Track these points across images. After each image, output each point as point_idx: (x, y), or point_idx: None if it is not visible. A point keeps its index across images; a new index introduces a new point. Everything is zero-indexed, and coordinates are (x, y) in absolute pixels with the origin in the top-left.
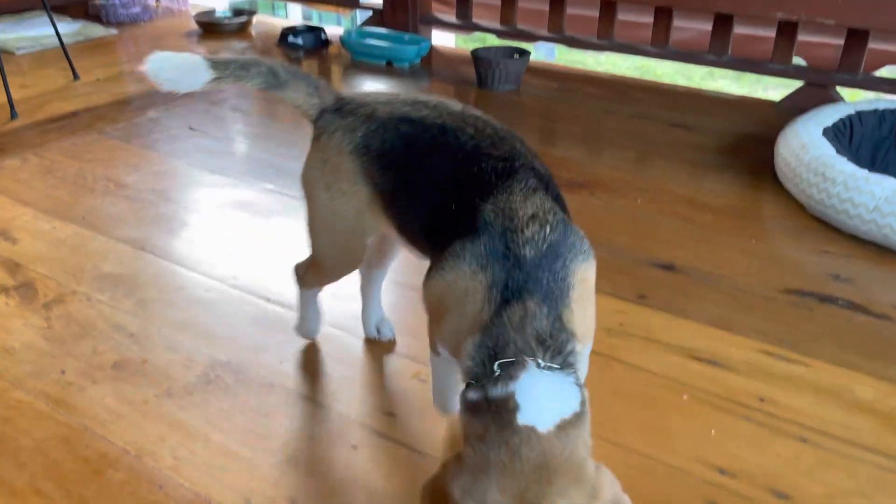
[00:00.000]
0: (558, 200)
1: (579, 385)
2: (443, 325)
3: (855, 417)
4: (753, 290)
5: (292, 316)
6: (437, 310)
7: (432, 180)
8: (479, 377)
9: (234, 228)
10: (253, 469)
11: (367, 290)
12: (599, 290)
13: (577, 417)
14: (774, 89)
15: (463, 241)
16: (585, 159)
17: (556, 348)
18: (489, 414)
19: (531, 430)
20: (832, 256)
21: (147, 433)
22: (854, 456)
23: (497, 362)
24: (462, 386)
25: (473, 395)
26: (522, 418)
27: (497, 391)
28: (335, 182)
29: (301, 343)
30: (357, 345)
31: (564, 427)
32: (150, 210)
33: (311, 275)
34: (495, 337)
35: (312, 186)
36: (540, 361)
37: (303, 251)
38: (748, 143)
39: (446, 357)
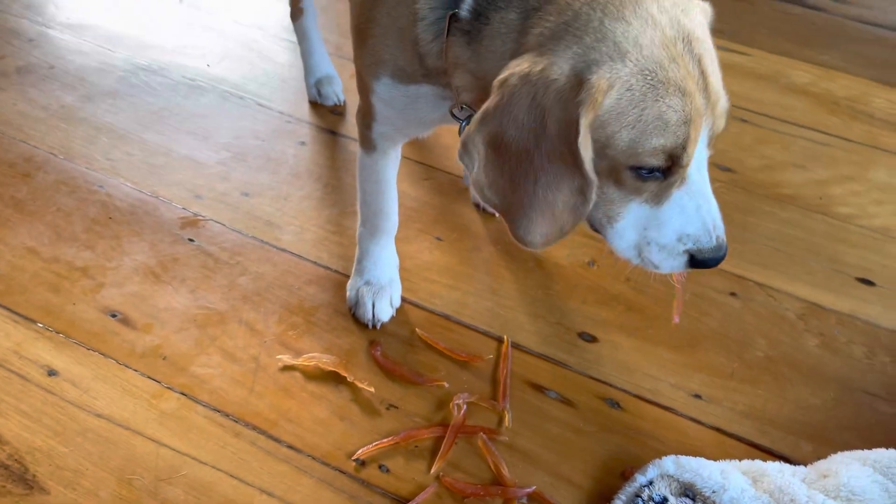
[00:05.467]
0: None
1: None
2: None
3: (790, 99)
4: None
5: (210, 18)
6: None
7: None
8: None
9: None
10: (198, 167)
11: (303, 38)
12: None
13: None
14: None
15: None
16: None
17: None
18: None
19: None
20: None
21: (72, 136)
22: (789, 133)
23: None
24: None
25: None
26: None
27: None
28: None
29: (227, 45)
30: (289, 45)
31: None
32: None
33: None
34: None
35: None
36: None
37: None
38: None
39: (381, 151)
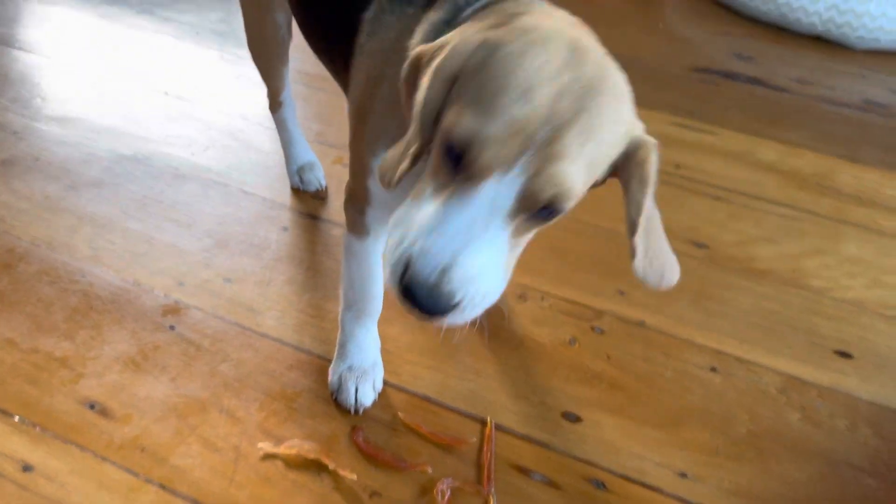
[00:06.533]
0: None
1: None
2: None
3: (760, 176)
4: (663, 69)
5: (195, 109)
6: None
7: None
8: None
9: (113, 21)
10: (181, 254)
11: (283, 128)
12: None
13: None
14: None
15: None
16: None
17: None
18: None
19: None
20: (734, 37)
21: (55, 226)
22: (761, 208)
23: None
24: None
25: None
26: None
27: None
28: None
29: (211, 135)
30: (272, 134)
31: None
32: (9, 5)
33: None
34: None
35: None
36: None
37: (193, 42)
38: None
39: (374, 236)
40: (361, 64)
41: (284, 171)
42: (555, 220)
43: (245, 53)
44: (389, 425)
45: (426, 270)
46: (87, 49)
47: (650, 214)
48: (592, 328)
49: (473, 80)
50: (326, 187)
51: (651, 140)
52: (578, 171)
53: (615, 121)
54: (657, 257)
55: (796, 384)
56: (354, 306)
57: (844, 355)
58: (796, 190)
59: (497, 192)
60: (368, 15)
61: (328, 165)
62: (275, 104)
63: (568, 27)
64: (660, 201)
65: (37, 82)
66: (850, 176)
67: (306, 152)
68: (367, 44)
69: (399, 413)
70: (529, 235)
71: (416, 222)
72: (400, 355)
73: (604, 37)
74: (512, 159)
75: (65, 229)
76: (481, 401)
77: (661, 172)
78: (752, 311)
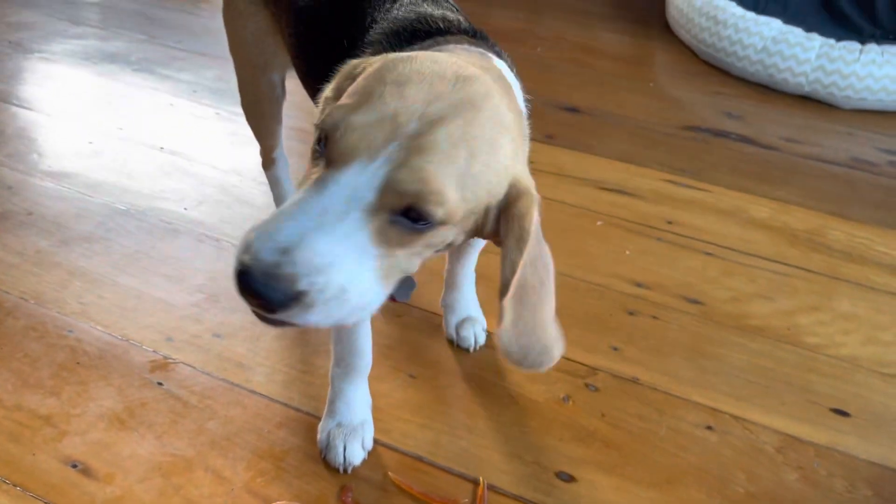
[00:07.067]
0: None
1: None
2: None
3: (752, 233)
4: (654, 127)
5: (189, 164)
6: None
7: (328, 7)
8: None
9: (111, 78)
10: (171, 309)
11: (276, 185)
12: None
13: None
14: None
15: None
16: (480, 9)
17: None
18: None
19: None
20: (724, 96)
21: (45, 281)
22: (754, 265)
23: None
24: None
25: None
26: None
27: None
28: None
29: (204, 190)
30: (265, 189)
31: None
32: (9, 63)
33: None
34: None
35: (223, 1)
36: None
37: (190, 99)
38: None
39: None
40: None
41: None
42: (432, 236)
43: (240, 110)
44: (379, 485)
45: (265, 249)
46: (86, 106)
47: (529, 283)
48: (586, 385)
49: (355, 84)
50: None
51: (534, 192)
52: (447, 175)
53: (493, 144)
54: (527, 333)
55: (793, 443)
56: (343, 361)
57: (841, 413)
58: (788, 246)
59: (357, 181)
60: None
61: None
62: (268, 161)
63: (477, 67)
64: (652, 256)
65: (34, 138)
66: (841, 232)
67: None
68: None
69: (389, 473)
70: (414, 250)
71: (270, 213)
72: (391, 412)
73: (596, 97)
74: (376, 148)
75: (55, 284)
76: (474, 460)
77: (653, 228)
78: (748, 367)
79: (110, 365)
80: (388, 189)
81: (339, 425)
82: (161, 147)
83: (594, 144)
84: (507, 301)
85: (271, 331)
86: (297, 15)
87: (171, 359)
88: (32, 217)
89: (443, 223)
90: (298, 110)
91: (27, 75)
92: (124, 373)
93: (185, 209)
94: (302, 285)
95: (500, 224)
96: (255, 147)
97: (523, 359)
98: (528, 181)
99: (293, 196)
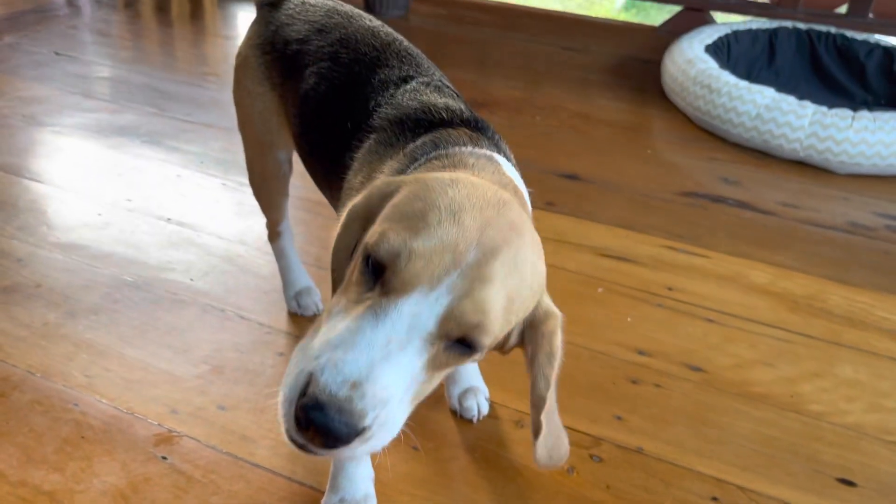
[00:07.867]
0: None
1: None
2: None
3: (752, 298)
4: (652, 194)
5: (196, 235)
6: None
7: (332, 90)
8: None
9: (120, 151)
10: (175, 381)
11: (281, 256)
12: None
13: None
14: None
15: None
16: (481, 81)
17: None
18: None
19: None
20: (720, 162)
21: (51, 354)
22: (755, 331)
23: None
24: None
25: None
26: None
27: None
28: (244, 78)
29: (210, 261)
30: (271, 258)
31: None
32: (22, 136)
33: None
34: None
35: (233, 80)
36: None
37: (197, 170)
38: (633, 64)
39: None
40: (346, 197)
41: (282, 295)
42: (469, 361)
43: (245, 180)
44: None
45: (336, 382)
46: (95, 178)
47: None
48: (591, 456)
49: (399, 204)
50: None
51: (558, 312)
52: (501, 302)
53: (535, 267)
54: (553, 434)
55: None
56: None
57: (847, 483)
58: (789, 312)
59: (420, 309)
60: (357, 155)
61: (325, 290)
62: (273, 234)
63: (497, 185)
64: (653, 323)
65: (44, 210)
66: (840, 297)
67: (304, 278)
68: (351, 179)
69: None
70: (447, 372)
71: (321, 340)
72: (394, 486)
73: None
74: (439, 276)
75: (61, 357)
76: None
77: (653, 295)
78: (752, 436)
79: (115, 439)
80: (449, 318)
81: (341, 500)
82: (168, 218)
83: (593, 211)
84: (544, 416)
85: (275, 403)
86: (303, 97)
87: (175, 432)
88: (41, 289)
89: (485, 347)
90: (304, 179)
91: (39, 148)
92: (129, 447)
93: (192, 280)
94: (369, 420)
95: (523, 339)
96: (259, 216)
97: (555, 459)
98: (549, 300)
99: (342, 320)
